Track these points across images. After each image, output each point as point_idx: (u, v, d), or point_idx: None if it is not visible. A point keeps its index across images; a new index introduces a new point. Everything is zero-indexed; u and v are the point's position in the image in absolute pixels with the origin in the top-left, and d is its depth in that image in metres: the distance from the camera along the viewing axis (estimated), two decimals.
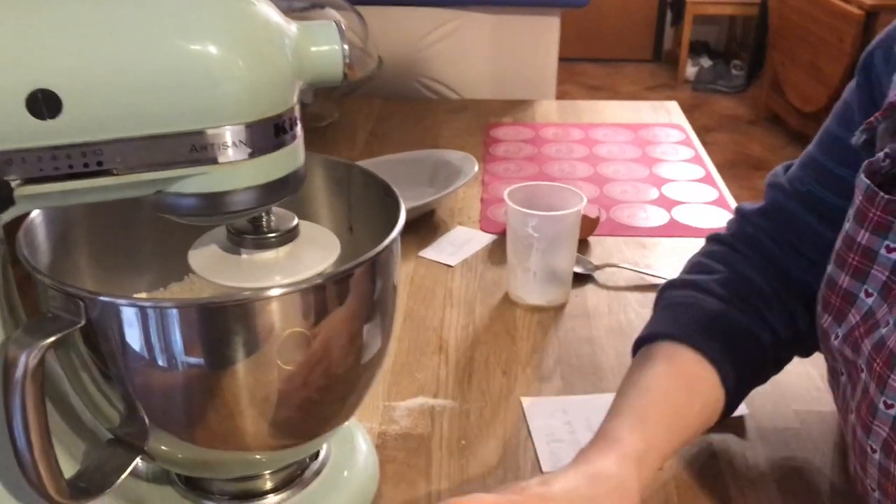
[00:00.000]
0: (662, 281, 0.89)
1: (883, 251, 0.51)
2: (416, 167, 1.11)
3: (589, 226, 0.98)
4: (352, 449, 0.64)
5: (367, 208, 0.62)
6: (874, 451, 0.51)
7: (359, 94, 1.43)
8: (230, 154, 0.46)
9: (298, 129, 0.50)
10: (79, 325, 0.45)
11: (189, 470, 0.58)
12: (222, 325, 0.48)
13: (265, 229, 0.54)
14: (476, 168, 1.06)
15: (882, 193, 0.50)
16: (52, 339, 0.45)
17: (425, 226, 1.01)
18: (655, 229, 1.02)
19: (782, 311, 0.65)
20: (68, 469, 0.50)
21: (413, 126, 1.36)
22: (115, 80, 0.43)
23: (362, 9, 1.39)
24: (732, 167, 3.27)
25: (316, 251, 0.55)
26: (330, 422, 0.57)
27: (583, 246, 0.97)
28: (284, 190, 0.50)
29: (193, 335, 0.48)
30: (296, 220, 0.55)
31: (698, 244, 0.97)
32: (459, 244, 0.98)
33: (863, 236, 0.52)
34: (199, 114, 0.45)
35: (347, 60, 0.51)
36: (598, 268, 0.92)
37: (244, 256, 0.54)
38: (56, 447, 0.49)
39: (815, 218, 0.66)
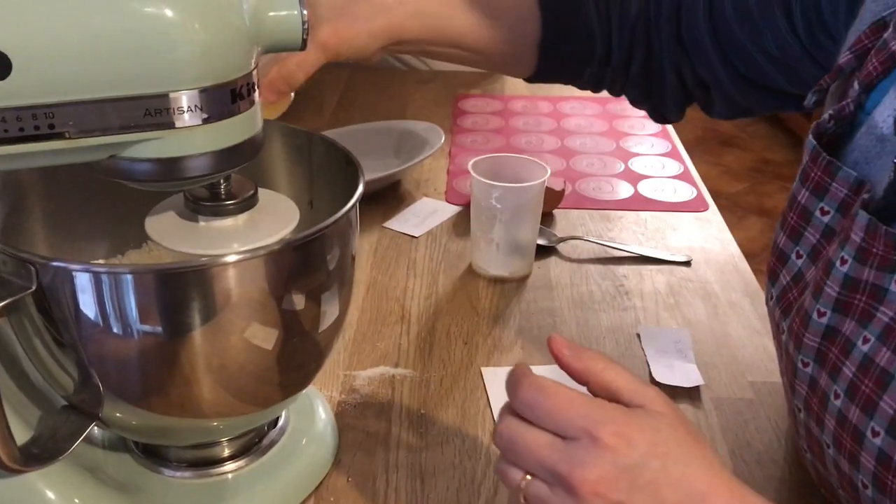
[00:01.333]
0: (625, 253, 0.90)
1: (817, 213, 0.52)
2: (382, 137, 1.10)
3: (554, 198, 0.98)
4: (311, 417, 0.64)
5: (329, 177, 0.61)
6: (799, 410, 0.53)
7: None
8: (185, 119, 0.46)
9: (256, 95, 0.50)
10: (29, 291, 0.45)
11: (145, 437, 0.58)
12: (178, 291, 0.48)
13: (223, 196, 0.53)
14: (442, 139, 1.05)
15: (825, 154, 0.51)
16: (2, 304, 0.44)
17: (391, 197, 1.01)
18: (620, 202, 1.03)
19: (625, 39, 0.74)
20: (21, 435, 0.50)
21: (381, 96, 1.35)
22: (66, 41, 0.42)
23: None
24: (702, 144, 3.29)
25: (275, 219, 0.55)
26: (287, 389, 0.57)
27: (547, 218, 0.97)
28: (241, 156, 0.50)
29: (149, 302, 0.48)
30: (254, 188, 0.55)
31: (662, 217, 0.99)
32: (424, 215, 0.98)
33: (803, 195, 0.53)
34: (154, 77, 0.44)
35: (307, 27, 0.50)
36: (561, 240, 0.93)
37: (202, 224, 0.53)
38: (8, 413, 0.49)
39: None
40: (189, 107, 0.46)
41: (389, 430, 0.65)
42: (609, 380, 0.46)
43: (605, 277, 0.87)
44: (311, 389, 0.67)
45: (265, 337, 0.52)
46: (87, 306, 0.47)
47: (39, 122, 0.43)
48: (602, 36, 0.73)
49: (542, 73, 0.78)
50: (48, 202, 0.59)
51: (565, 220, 0.98)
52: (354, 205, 0.53)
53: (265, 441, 0.60)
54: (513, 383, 0.46)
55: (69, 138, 0.44)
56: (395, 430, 0.65)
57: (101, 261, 0.63)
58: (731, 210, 2.86)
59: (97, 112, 0.44)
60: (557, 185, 0.99)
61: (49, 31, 0.42)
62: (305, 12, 0.50)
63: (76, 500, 0.52)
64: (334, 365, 0.72)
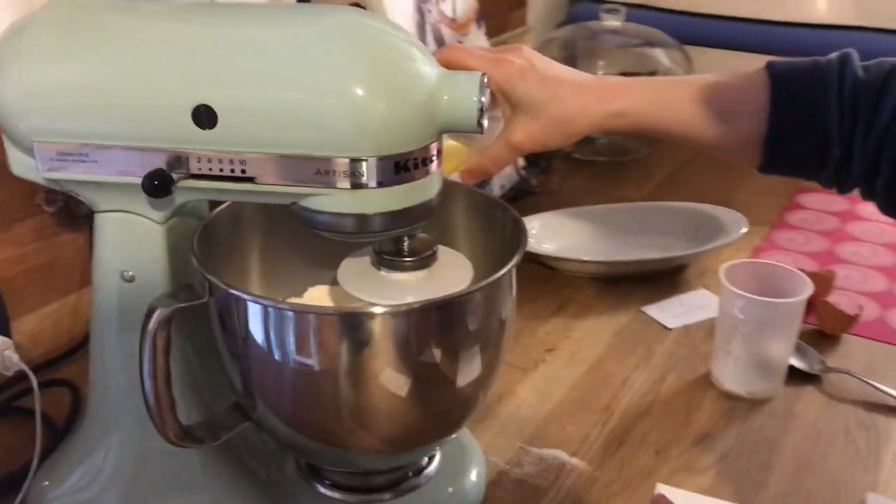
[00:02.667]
0: None
1: None
2: (682, 218, 1.06)
3: (843, 322, 0.86)
4: (461, 476, 0.66)
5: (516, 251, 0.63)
6: None
7: None
8: (358, 181, 0.51)
9: (432, 166, 0.54)
10: (202, 301, 0.54)
11: (291, 449, 0.65)
12: (327, 332, 0.53)
13: (405, 252, 0.58)
14: (741, 232, 0.99)
15: None
16: (182, 305, 0.53)
17: (666, 280, 0.97)
18: None
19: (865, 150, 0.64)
20: (196, 417, 0.60)
21: (716, 177, 1.29)
22: (266, 107, 0.50)
23: (691, 49, 1.36)
24: None
25: (448, 279, 0.59)
26: (422, 437, 0.59)
27: (830, 343, 0.86)
28: (411, 218, 0.54)
29: (302, 337, 0.53)
30: (433, 249, 0.59)
31: None
32: (690, 308, 0.93)
33: None
34: (337, 144, 0.50)
35: (484, 110, 0.53)
36: (829, 370, 0.81)
37: (382, 274, 0.59)
38: (195, 398, 0.59)
39: None
40: (361, 172, 0.51)
41: None
42: None
43: (861, 426, 0.74)
44: (475, 451, 0.68)
45: (399, 385, 0.55)
46: (255, 329, 0.54)
47: (234, 166, 0.52)
48: (842, 139, 0.64)
49: (769, 168, 0.69)
50: (277, 230, 0.67)
51: (851, 348, 0.86)
52: (502, 276, 0.54)
53: (406, 484, 0.64)
54: None
55: (257, 183, 0.53)
56: None
57: (310, 287, 0.70)
58: None
59: (282, 165, 0.52)
60: (852, 309, 0.87)
61: (252, 96, 0.50)
62: (484, 99, 0.53)
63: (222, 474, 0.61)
64: (514, 435, 0.72)
